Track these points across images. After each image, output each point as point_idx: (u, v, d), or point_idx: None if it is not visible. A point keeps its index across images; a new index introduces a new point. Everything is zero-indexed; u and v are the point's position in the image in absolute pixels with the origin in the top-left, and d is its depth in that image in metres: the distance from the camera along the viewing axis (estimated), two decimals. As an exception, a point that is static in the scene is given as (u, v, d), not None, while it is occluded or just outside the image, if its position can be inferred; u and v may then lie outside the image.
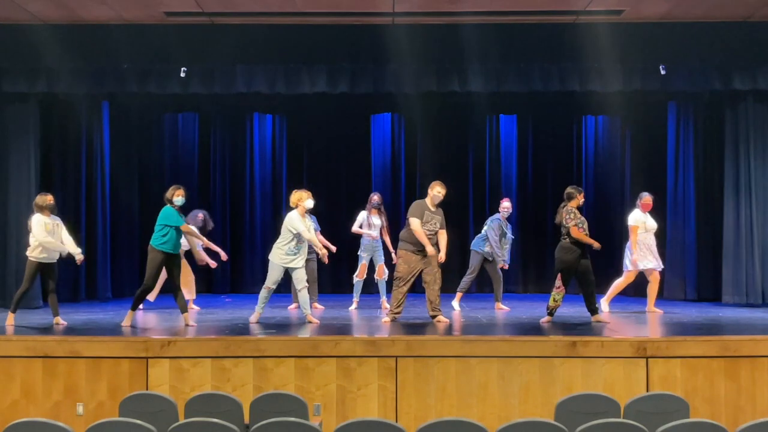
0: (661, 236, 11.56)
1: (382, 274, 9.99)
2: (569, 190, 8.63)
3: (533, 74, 10.00)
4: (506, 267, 10.39)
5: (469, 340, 7.29)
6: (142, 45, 9.79)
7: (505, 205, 10.29)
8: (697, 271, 11.26)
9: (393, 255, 9.91)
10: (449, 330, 8.11)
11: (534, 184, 12.84)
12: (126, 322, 8.19)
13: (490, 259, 10.08)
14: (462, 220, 12.60)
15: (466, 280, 10.06)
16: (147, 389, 6.94)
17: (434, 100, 11.29)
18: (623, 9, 9.14)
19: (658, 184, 11.71)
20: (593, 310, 8.54)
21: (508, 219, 10.39)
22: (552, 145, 12.77)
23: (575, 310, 9.57)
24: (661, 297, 11.34)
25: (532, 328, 8.24)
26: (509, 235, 10.34)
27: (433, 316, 8.47)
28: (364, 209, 10.14)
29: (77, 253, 8.54)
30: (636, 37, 9.68)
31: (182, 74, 9.81)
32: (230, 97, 10.72)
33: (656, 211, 11.67)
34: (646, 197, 9.72)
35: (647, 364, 7.07)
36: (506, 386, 7.06)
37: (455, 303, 9.85)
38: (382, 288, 10.08)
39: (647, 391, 6.89)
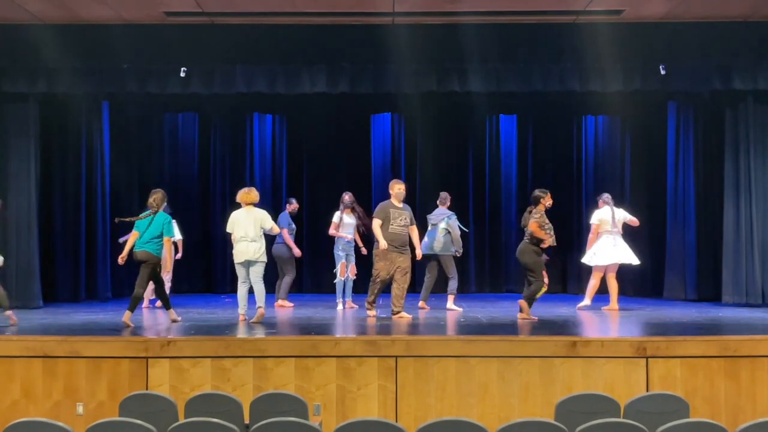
0: (661, 236, 11.62)
1: (353, 272, 10.03)
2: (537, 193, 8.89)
3: (533, 74, 9.99)
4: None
5: (469, 340, 7.30)
6: (142, 45, 9.79)
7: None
8: (697, 271, 11.25)
9: (363, 250, 10.10)
10: (449, 330, 8.12)
11: (534, 184, 12.76)
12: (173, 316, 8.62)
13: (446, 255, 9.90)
14: (462, 219, 12.56)
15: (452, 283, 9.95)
16: (147, 389, 6.94)
17: (434, 100, 11.29)
18: (623, 9, 9.13)
19: (658, 184, 11.74)
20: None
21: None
22: (552, 145, 12.77)
23: (575, 310, 9.57)
24: (661, 297, 11.38)
25: (532, 328, 8.24)
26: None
27: (396, 312, 8.68)
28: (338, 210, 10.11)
29: None
30: (636, 37, 9.67)
31: (182, 74, 9.80)
32: (230, 97, 10.72)
33: (656, 211, 11.74)
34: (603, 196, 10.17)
35: (647, 364, 7.07)
36: (506, 386, 7.06)
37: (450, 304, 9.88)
38: (348, 289, 10.13)
39: (647, 391, 6.89)
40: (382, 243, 8.67)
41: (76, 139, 11.30)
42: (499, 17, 9.45)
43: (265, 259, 8.69)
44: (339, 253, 10.00)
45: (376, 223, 8.79)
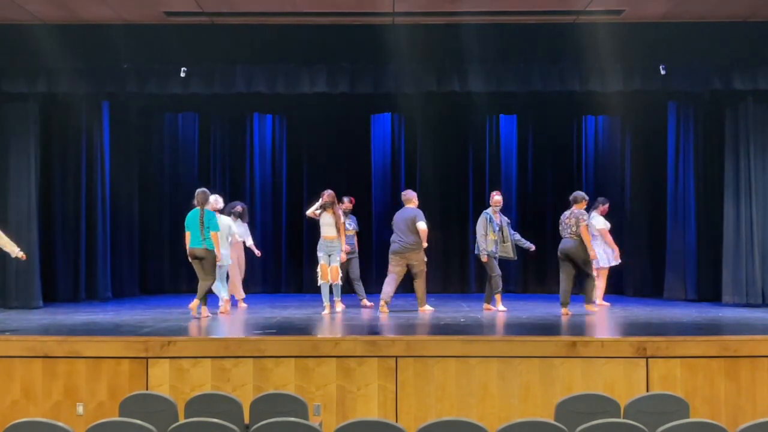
0: (661, 236, 11.63)
1: (336, 276, 9.49)
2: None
3: (533, 74, 9.99)
4: (513, 258, 10.04)
5: (469, 340, 7.30)
6: (142, 45, 9.79)
7: (496, 198, 9.88)
8: (697, 271, 11.24)
9: (343, 254, 9.67)
10: (449, 330, 8.12)
11: (534, 184, 12.83)
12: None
13: (495, 257, 9.82)
14: (462, 220, 12.61)
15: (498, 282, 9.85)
16: (147, 389, 6.94)
17: (434, 100, 11.30)
18: (623, 9, 9.13)
19: (658, 184, 11.74)
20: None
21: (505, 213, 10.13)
22: (552, 145, 12.77)
23: (575, 311, 9.57)
24: (661, 297, 11.40)
25: (533, 328, 8.25)
26: (510, 231, 9.92)
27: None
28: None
29: (14, 252, 8.47)
30: (636, 37, 9.67)
31: (182, 74, 9.79)
32: (230, 97, 10.72)
33: (656, 211, 11.75)
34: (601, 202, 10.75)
35: (647, 364, 7.08)
36: (506, 386, 7.06)
37: (499, 305, 9.83)
38: (337, 291, 9.61)
39: (647, 391, 6.89)
40: (425, 243, 9.58)
41: (76, 138, 11.30)
42: (499, 17, 9.45)
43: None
44: (319, 253, 9.55)
45: (426, 226, 9.61)
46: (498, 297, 9.85)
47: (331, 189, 9.78)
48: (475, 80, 9.93)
